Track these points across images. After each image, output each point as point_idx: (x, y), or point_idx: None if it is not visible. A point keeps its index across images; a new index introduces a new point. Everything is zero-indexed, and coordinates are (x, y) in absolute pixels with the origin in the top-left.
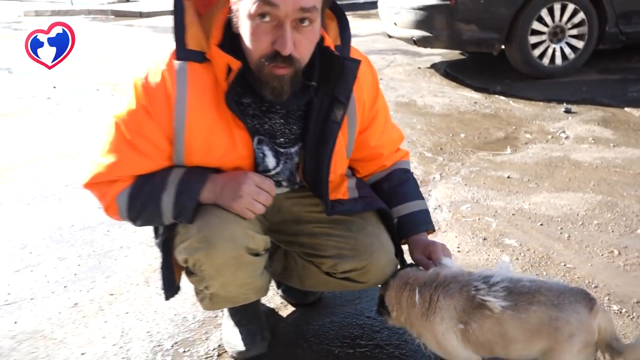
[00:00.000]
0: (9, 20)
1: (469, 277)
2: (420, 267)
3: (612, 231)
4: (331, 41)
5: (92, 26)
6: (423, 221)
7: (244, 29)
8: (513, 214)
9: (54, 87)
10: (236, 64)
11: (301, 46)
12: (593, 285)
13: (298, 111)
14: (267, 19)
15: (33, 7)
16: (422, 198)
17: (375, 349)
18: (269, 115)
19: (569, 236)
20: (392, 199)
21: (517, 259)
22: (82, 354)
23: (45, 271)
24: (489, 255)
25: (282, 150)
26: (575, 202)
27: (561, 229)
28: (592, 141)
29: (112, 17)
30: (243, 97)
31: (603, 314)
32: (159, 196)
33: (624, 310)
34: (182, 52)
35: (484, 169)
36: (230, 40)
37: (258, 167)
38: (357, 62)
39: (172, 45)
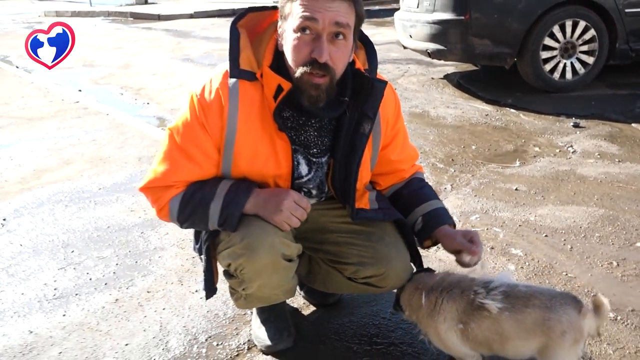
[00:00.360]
0: (30, 20)
1: (471, 282)
2: (453, 270)
3: (612, 244)
4: (360, 65)
5: (112, 28)
6: (447, 215)
7: (288, 43)
8: (520, 225)
9: (79, 91)
10: (287, 85)
11: (335, 57)
12: (592, 294)
13: (329, 125)
14: (307, 32)
15: (53, 8)
16: (441, 200)
17: (390, 347)
18: (305, 128)
19: (572, 247)
20: (415, 200)
21: (522, 267)
22: (126, 344)
23: (87, 269)
24: (495, 264)
25: (314, 159)
26: (579, 215)
27: (564, 240)
28: (598, 156)
29: (131, 19)
30: (283, 111)
31: (590, 315)
32: (208, 204)
33: (619, 318)
34: (236, 72)
35: (493, 180)
36: (278, 63)
37: (293, 173)
38: (384, 83)
39: (224, 65)
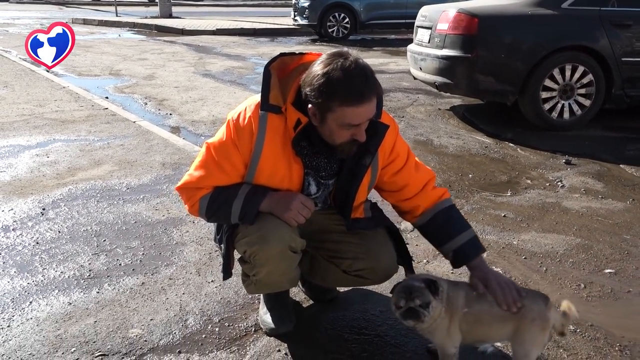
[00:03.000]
0: None
1: None
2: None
3: (583, 268)
4: None
5: (136, 39)
6: (473, 249)
7: (331, 130)
8: (503, 248)
9: (106, 98)
10: (304, 119)
11: (364, 128)
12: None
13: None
14: (349, 127)
15: (81, 15)
16: (469, 227)
17: (375, 338)
18: (317, 155)
19: (546, 269)
20: (443, 236)
21: None
22: (151, 319)
23: (116, 256)
24: None
25: (322, 181)
26: (557, 243)
27: (541, 263)
28: (584, 192)
29: (155, 31)
30: (301, 141)
31: (554, 309)
32: (231, 203)
33: (578, 331)
34: (266, 105)
35: (485, 207)
36: (299, 99)
37: (303, 192)
38: (386, 127)
39: (256, 97)
